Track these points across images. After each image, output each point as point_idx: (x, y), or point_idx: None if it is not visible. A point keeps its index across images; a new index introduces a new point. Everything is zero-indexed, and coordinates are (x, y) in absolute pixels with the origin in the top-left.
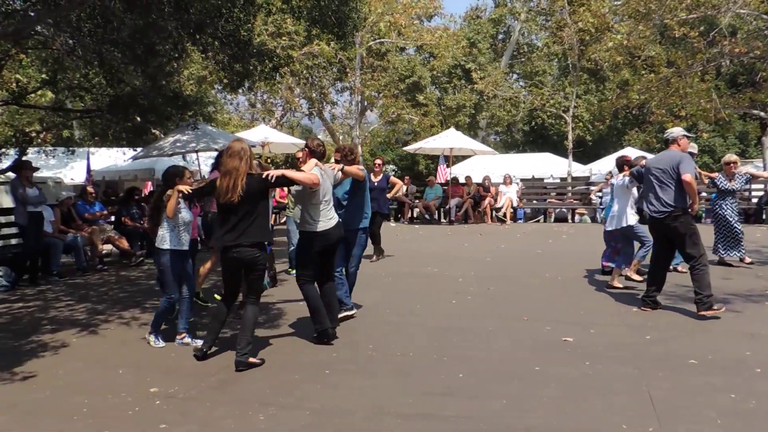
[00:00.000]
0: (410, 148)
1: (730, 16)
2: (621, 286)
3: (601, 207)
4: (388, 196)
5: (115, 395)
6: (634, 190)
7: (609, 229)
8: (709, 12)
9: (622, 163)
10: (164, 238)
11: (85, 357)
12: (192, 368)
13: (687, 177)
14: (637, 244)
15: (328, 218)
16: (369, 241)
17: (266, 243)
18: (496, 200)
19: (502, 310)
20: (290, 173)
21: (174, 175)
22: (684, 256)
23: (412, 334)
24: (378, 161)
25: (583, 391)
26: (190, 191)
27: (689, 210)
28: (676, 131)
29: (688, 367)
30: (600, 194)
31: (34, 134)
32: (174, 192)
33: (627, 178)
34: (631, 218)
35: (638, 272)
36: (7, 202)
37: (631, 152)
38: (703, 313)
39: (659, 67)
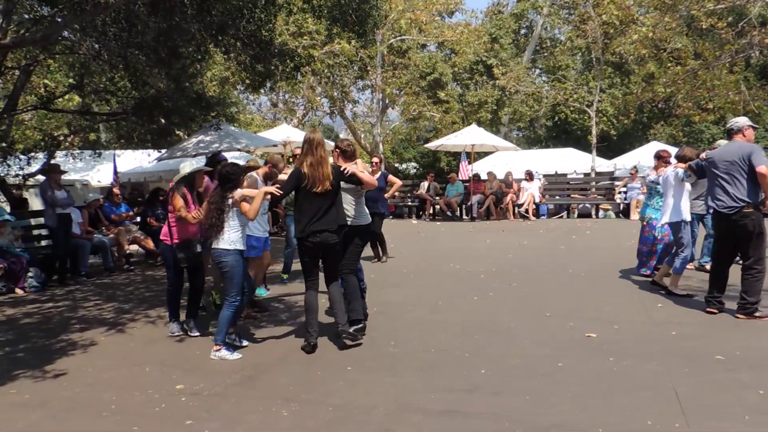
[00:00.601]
0: (432, 145)
1: (761, 5)
2: (683, 293)
3: (626, 202)
4: (386, 195)
5: (142, 392)
6: (688, 184)
7: (662, 222)
8: (738, 2)
9: (660, 157)
10: (231, 239)
11: (113, 355)
12: (216, 366)
13: (762, 169)
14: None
15: (362, 214)
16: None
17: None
18: (518, 196)
19: (525, 306)
20: (359, 172)
21: (237, 174)
22: (743, 255)
23: (433, 330)
24: (375, 159)
25: (608, 388)
26: (280, 191)
27: (760, 206)
28: (741, 121)
29: (715, 364)
30: (624, 189)
31: (61, 138)
32: (261, 193)
33: (682, 171)
34: (686, 213)
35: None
36: (37, 204)
37: (656, 146)
38: (740, 316)
39: (686, 59)
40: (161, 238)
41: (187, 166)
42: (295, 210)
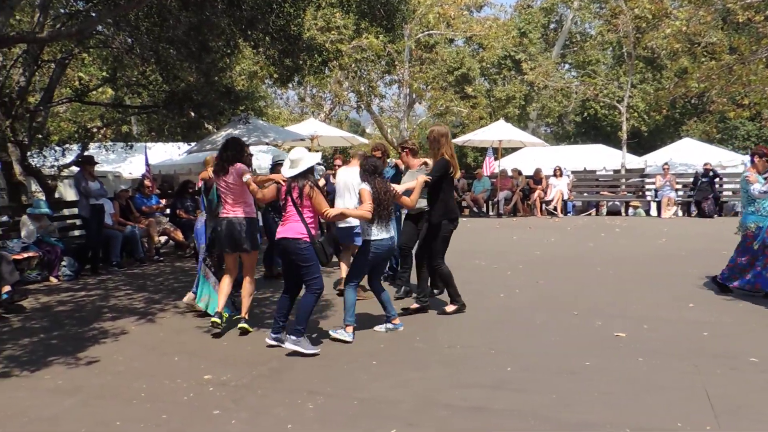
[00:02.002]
0: (459, 140)
1: None
2: None
3: (657, 200)
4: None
5: (171, 381)
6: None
7: None
8: None
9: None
10: (371, 231)
11: (143, 344)
12: (244, 357)
13: None
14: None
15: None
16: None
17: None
18: (546, 193)
19: (552, 304)
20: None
21: (376, 168)
22: None
23: (459, 327)
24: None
25: (637, 388)
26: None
27: None
28: None
29: (749, 365)
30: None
31: (95, 130)
32: (421, 183)
33: None
34: None
35: None
36: (71, 195)
37: (689, 143)
38: None
39: (721, 53)
40: (300, 235)
41: (307, 158)
42: (440, 196)
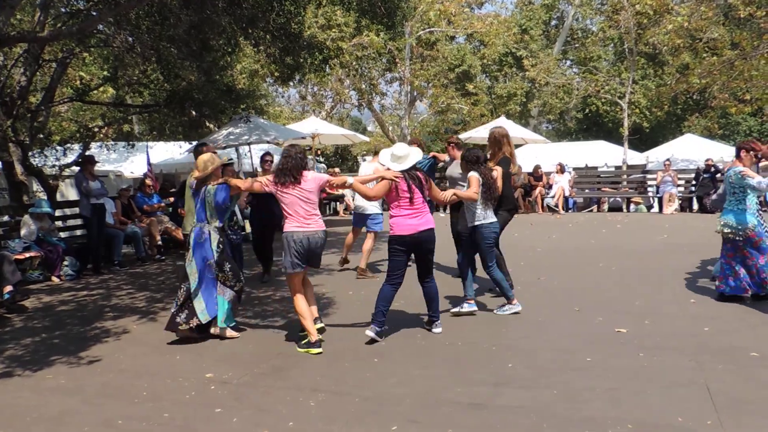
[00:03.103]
0: (461, 137)
1: None
2: None
3: (659, 196)
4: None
5: (173, 380)
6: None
7: None
8: None
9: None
10: (486, 215)
11: (145, 343)
12: (246, 355)
13: None
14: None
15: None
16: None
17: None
18: (548, 190)
19: (554, 300)
20: None
21: (478, 158)
22: None
23: (461, 323)
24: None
25: (638, 383)
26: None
27: None
28: None
29: (750, 360)
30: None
31: (96, 129)
32: (500, 172)
33: None
34: None
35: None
36: (73, 194)
37: (691, 139)
38: None
39: (722, 49)
40: (433, 225)
41: (414, 153)
42: (503, 192)
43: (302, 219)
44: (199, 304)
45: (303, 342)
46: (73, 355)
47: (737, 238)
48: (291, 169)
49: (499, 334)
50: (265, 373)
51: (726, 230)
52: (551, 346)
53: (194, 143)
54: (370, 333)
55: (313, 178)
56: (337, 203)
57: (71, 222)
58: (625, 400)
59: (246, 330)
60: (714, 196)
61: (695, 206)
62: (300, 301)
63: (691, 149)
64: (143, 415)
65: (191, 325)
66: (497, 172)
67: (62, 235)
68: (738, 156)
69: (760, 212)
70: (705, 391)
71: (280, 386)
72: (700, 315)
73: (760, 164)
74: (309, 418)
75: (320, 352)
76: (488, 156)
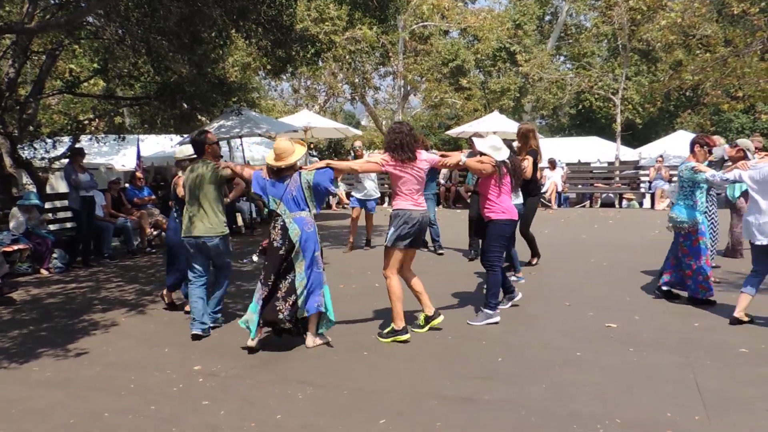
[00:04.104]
0: (453, 132)
1: None
2: (747, 319)
3: (651, 192)
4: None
5: (161, 372)
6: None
7: (762, 243)
8: None
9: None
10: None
11: (133, 335)
12: (234, 348)
13: None
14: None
15: None
16: None
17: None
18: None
19: (545, 294)
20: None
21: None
22: None
23: (451, 317)
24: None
25: (627, 379)
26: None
27: None
28: None
29: (738, 357)
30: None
31: (86, 122)
32: (529, 161)
33: None
34: None
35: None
36: (63, 187)
37: (684, 135)
38: None
39: (715, 46)
40: (490, 217)
41: (505, 147)
42: (531, 177)
43: (415, 198)
44: (303, 300)
45: (387, 331)
46: (61, 347)
47: (680, 232)
48: (409, 145)
49: (490, 329)
50: (254, 366)
51: (670, 224)
52: (541, 340)
53: (185, 136)
54: (474, 323)
55: (427, 157)
56: (329, 197)
57: (61, 214)
58: (613, 395)
59: (234, 324)
60: (673, 189)
61: None
62: (396, 282)
63: (684, 146)
64: (130, 408)
65: (288, 324)
66: (528, 161)
67: (51, 227)
68: (692, 151)
69: (712, 214)
70: (694, 387)
71: (268, 379)
72: (688, 312)
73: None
74: (297, 411)
75: (408, 339)
76: (516, 150)
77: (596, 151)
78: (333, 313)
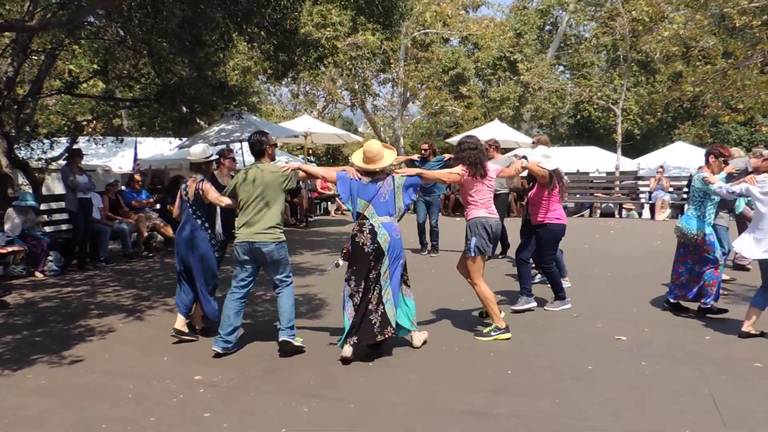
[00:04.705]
0: (453, 140)
1: None
2: (757, 332)
3: (651, 202)
4: None
5: (159, 382)
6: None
7: (759, 257)
8: None
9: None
10: None
11: (130, 342)
12: (235, 357)
13: None
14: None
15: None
16: None
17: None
18: None
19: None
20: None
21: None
22: None
23: (456, 327)
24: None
25: (641, 393)
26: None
27: None
28: None
29: (754, 371)
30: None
31: (84, 123)
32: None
33: None
34: None
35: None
36: (59, 188)
37: (682, 147)
38: None
39: (715, 58)
40: (544, 221)
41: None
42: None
43: (489, 207)
44: (391, 309)
45: (488, 329)
46: (56, 354)
47: (689, 242)
48: (482, 162)
49: (497, 341)
50: (256, 376)
51: (677, 233)
52: (550, 352)
53: (184, 140)
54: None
55: (493, 168)
56: (329, 203)
57: (57, 216)
58: (628, 410)
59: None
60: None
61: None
62: (485, 287)
63: (682, 157)
64: (127, 418)
65: (386, 335)
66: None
67: (47, 229)
68: (706, 162)
69: (721, 225)
70: (710, 403)
71: (270, 390)
72: (698, 324)
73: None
74: (301, 425)
75: (509, 338)
76: None
77: (595, 160)
78: (414, 323)
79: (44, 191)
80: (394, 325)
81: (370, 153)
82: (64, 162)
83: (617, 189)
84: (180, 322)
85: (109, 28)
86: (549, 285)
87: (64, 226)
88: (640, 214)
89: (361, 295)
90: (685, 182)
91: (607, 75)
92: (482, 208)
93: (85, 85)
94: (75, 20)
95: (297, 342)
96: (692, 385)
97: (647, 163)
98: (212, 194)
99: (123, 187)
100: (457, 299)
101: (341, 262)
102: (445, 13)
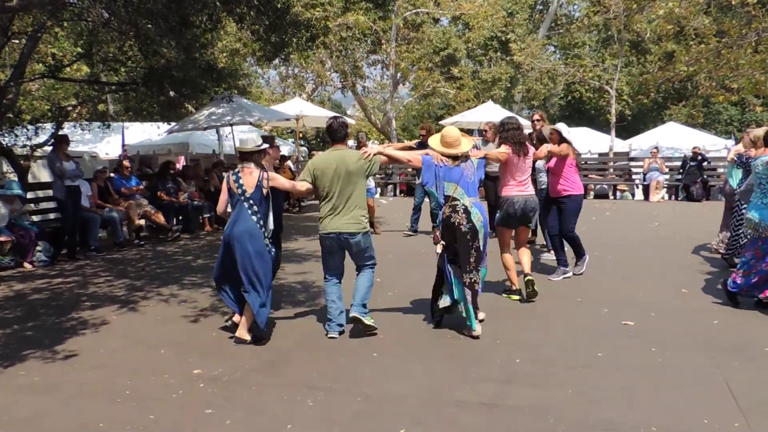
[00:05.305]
0: (447, 122)
1: None
2: None
3: (645, 184)
4: None
5: (157, 377)
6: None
7: None
8: None
9: None
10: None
11: (125, 335)
12: (236, 348)
13: None
14: None
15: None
16: None
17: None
18: None
19: (553, 290)
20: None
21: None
22: None
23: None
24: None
25: (655, 382)
26: None
27: None
28: None
29: (766, 357)
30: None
31: (69, 108)
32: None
33: None
34: None
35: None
36: (46, 176)
37: (674, 127)
38: None
39: (709, 37)
40: (569, 192)
41: None
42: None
43: (523, 184)
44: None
45: (505, 291)
46: (48, 349)
47: (759, 236)
48: (524, 140)
49: (501, 327)
50: (257, 369)
51: (749, 226)
52: (557, 339)
53: (173, 124)
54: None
55: (531, 150)
56: None
57: (44, 205)
58: (643, 400)
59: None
60: (743, 187)
61: (681, 194)
62: (507, 255)
63: (674, 137)
64: (126, 418)
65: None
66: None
67: (35, 218)
68: (767, 144)
69: None
70: (726, 391)
71: (273, 383)
72: (705, 308)
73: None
74: (307, 420)
75: (519, 299)
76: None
77: (587, 142)
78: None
79: (30, 179)
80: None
81: (451, 138)
82: (50, 148)
83: (611, 170)
84: (242, 328)
85: (93, 9)
86: (572, 249)
87: (52, 215)
88: (633, 195)
89: (468, 273)
90: (678, 163)
91: (598, 55)
92: (514, 185)
93: (69, 69)
94: (57, 0)
95: (368, 320)
96: (705, 373)
97: (639, 144)
98: (282, 181)
99: (112, 174)
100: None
101: (439, 250)
102: None
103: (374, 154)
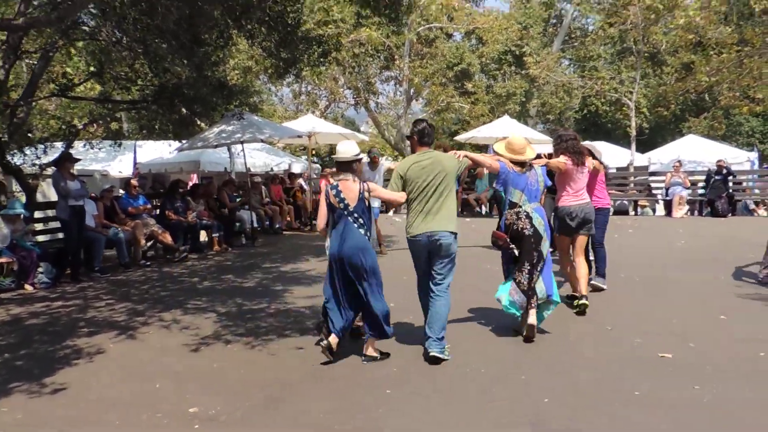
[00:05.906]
0: (462, 137)
1: None
2: None
3: (667, 199)
4: None
5: (150, 414)
6: None
7: None
8: None
9: None
10: None
11: (121, 366)
12: (236, 382)
13: None
14: None
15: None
16: None
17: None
18: None
19: (579, 317)
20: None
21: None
22: None
23: (478, 343)
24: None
25: (705, 424)
26: None
27: None
28: None
29: None
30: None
31: (81, 127)
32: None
33: None
34: None
35: None
36: (53, 195)
37: (694, 140)
38: None
39: (730, 46)
40: (599, 206)
41: None
42: None
43: (579, 194)
44: (539, 284)
45: (568, 296)
46: (37, 381)
47: None
48: (581, 151)
49: (526, 358)
50: (259, 406)
51: None
52: (588, 374)
53: (184, 142)
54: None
55: (588, 161)
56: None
57: (53, 224)
58: None
59: (235, 350)
60: None
61: (705, 209)
62: (566, 263)
63: (696, 150)
64: None
65: (532, 305)
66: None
67: (43, 238)
68: None
69: None
70: None
71: (277, 423)
72: (749, 337)
73: None
74: None
75: (580, 307)
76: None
77: (605, 156)
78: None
79: (40, 198)
80: (540, 296)
81: (518, 146)
82: (54, 167)
83: (631, 185)
84: (370, 346)
85: (104, 28)
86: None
87: (60, 235)
88: (653, 211)
89: (528, 276)
90: (700, 177)
91: (614, 68)
92: (570, 196)
93: (82, 87)
94: (66, 17)
95: (445, 356)
96: (759, 413)
97: (658, 157)
98: (383, 192)
99: (121, 191)
100: (470, 306)
101: (516, 251)
102: (451, 6)
103: (462, 157)
